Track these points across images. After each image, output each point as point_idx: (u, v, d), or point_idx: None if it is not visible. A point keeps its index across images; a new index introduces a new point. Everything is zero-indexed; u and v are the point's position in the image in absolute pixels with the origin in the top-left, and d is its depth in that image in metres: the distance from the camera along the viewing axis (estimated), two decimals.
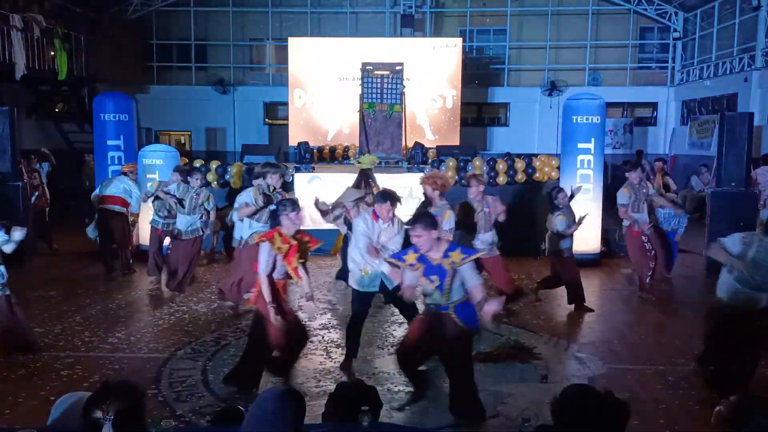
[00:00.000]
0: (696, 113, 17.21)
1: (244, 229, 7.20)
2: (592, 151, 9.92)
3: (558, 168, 10.40)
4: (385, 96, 12.43)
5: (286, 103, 17.23)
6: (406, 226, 5.27)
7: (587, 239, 9.58)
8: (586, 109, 9.96)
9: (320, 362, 5.74)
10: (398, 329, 6.72)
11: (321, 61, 16.56)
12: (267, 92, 19.13)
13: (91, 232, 9.47)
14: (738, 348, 4.95)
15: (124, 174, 9.34)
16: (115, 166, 10.15)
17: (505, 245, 10.42)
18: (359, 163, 8.66)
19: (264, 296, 4.84)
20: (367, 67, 12.58)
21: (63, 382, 5.17)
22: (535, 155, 11.28)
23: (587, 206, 8.76)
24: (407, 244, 4.74)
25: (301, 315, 5.80)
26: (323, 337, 6.42)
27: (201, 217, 8.04)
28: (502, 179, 10.45)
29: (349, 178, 10.35)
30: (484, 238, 6.91)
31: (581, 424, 2.23)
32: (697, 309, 8.05)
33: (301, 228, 5.07)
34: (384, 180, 8.92)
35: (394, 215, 5.47)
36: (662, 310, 7.64)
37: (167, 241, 8.67)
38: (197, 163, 10.84)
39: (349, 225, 6.78)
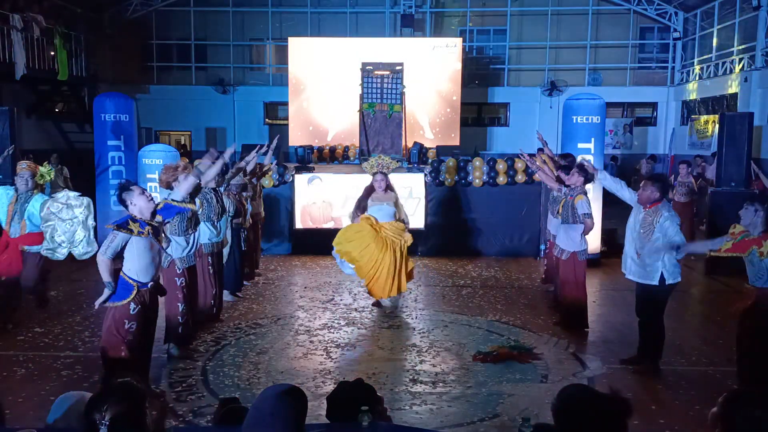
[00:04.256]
0: (696, 113, 17.20)
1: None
2: (592, 151, 9.92)
3: None
4: (385, 96, 12.42)
5: (286, 103, 17.22)
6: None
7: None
8: (586, 109, 9.95)
9: (320, 362, 5.74)
10: (399, 329, 6.72)
11: (321, 61, 16.56)
12: (267, 92, 19.13)
13: None
14: None
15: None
16: (116, 166, 10.14)
17: (506, 245, 10.61)
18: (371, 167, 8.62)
19: None
20: (367, 67, 12.58)
21: (63, 382, 5.17)
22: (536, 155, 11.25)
23: None
24: None
25: None
26: (323, 337, 6.42)
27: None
28: (502, 179, 10.44)
29: (349, 178, 10.40)
30: None
31: (581, 424, 2.23)
32: (697, 309, 8.09)
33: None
34: None
35: None
36: None
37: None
38: (197, 163, 10.84)
39: None
